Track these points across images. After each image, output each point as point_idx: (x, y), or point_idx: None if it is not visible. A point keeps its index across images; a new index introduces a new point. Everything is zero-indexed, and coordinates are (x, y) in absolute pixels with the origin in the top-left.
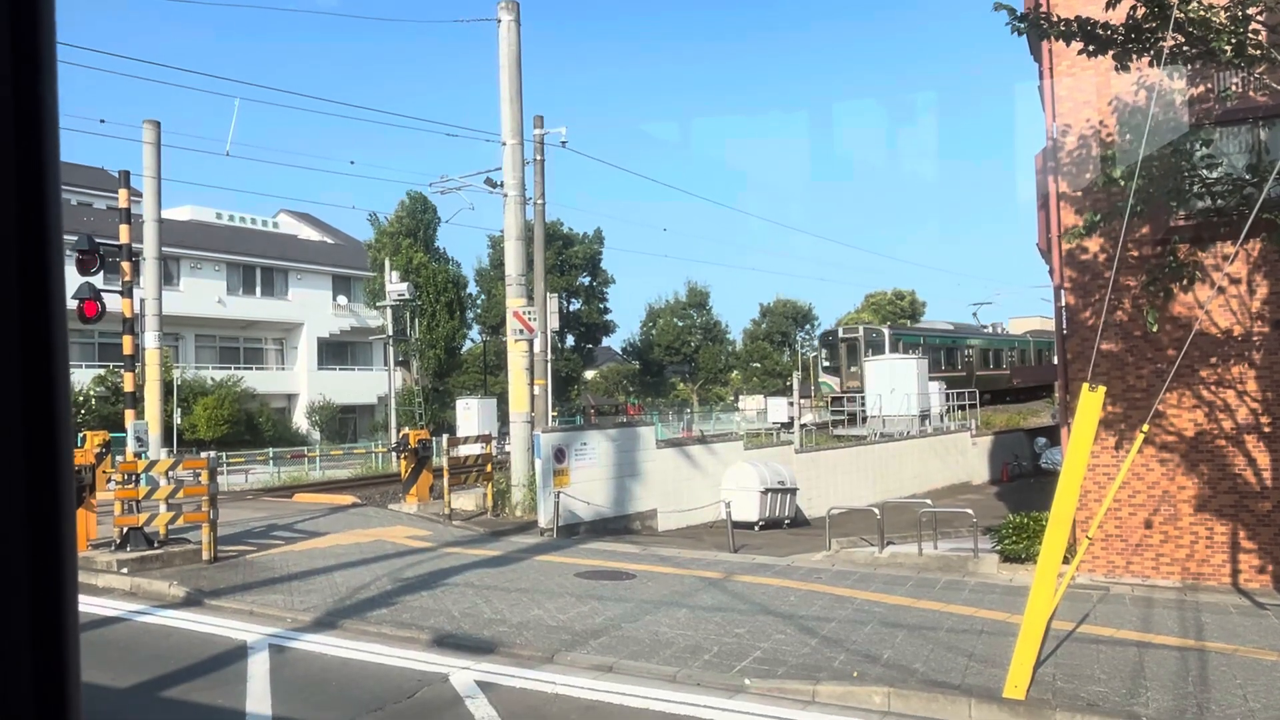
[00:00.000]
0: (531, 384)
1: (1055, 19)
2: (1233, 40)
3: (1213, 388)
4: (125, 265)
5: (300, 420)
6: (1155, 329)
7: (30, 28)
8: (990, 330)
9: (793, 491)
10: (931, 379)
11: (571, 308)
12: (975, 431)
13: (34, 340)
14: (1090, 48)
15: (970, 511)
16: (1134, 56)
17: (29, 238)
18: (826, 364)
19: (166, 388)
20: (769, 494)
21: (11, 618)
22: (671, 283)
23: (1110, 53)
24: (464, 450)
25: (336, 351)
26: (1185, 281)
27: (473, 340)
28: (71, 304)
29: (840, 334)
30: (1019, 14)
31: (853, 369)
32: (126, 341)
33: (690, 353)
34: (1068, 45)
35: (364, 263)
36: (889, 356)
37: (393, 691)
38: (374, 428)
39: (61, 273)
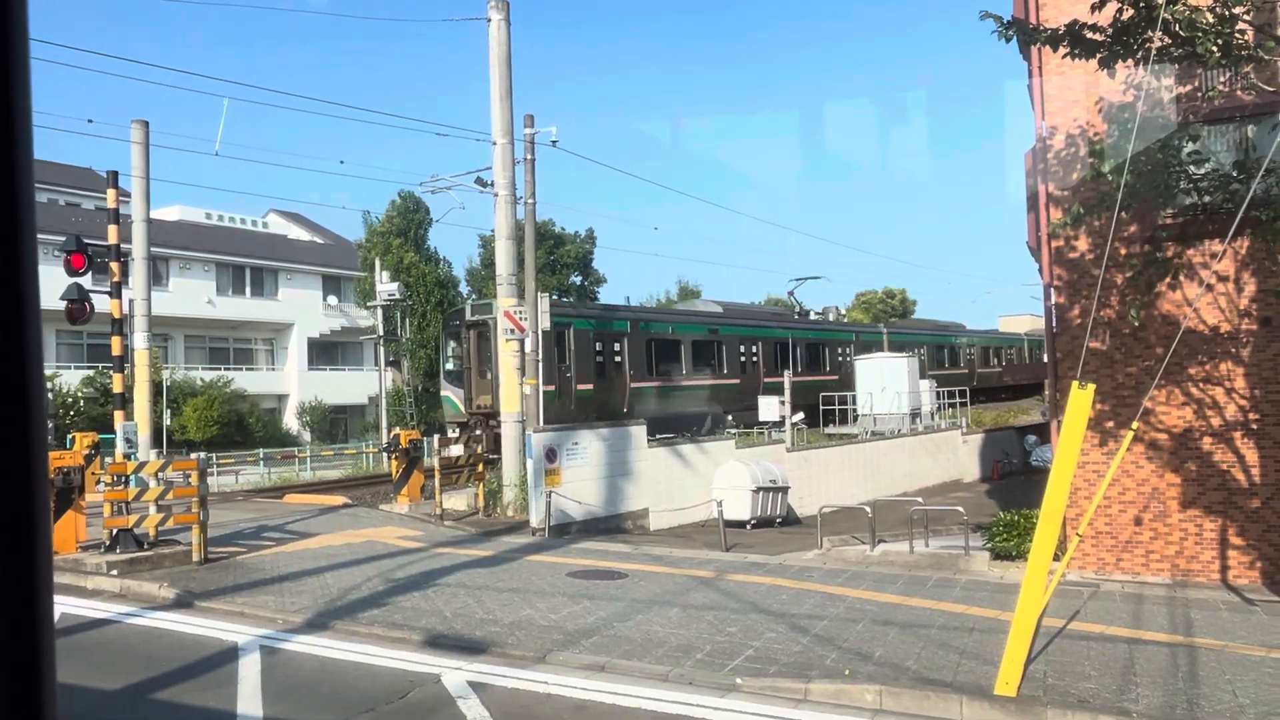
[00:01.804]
0: (522, 383)
1: (1043, 28)
2: (1219, 41)
3: (1201, 385)
4: (114, 266)
5: (291, 421)
6: (1138, 323)
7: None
8: (822, 319)
9: (784, 490)
10: (693, 382)
11: None
12: (966, 429)
13: (6, 339)
14: (1077, 51)
15: (961, 509)
16: (1120, 59)
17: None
18: (450, 366)
19: (156, 389)
20: (761, 493)
21: None
22: (663, 281)
23: (1098, 56)
24: (455, 450)
25: (327, 352)
26: (1172, 278)
27: None
28: (60, 305)
29: (468, 315)
30: (1005, 21)
31: (485, 374)
32: (115, 342)
33: None
34: (1055, 50)
35: (354, 263)
36: (878, 355)
37: (385, 692)
38: (365, 428)
39: (35, 268)
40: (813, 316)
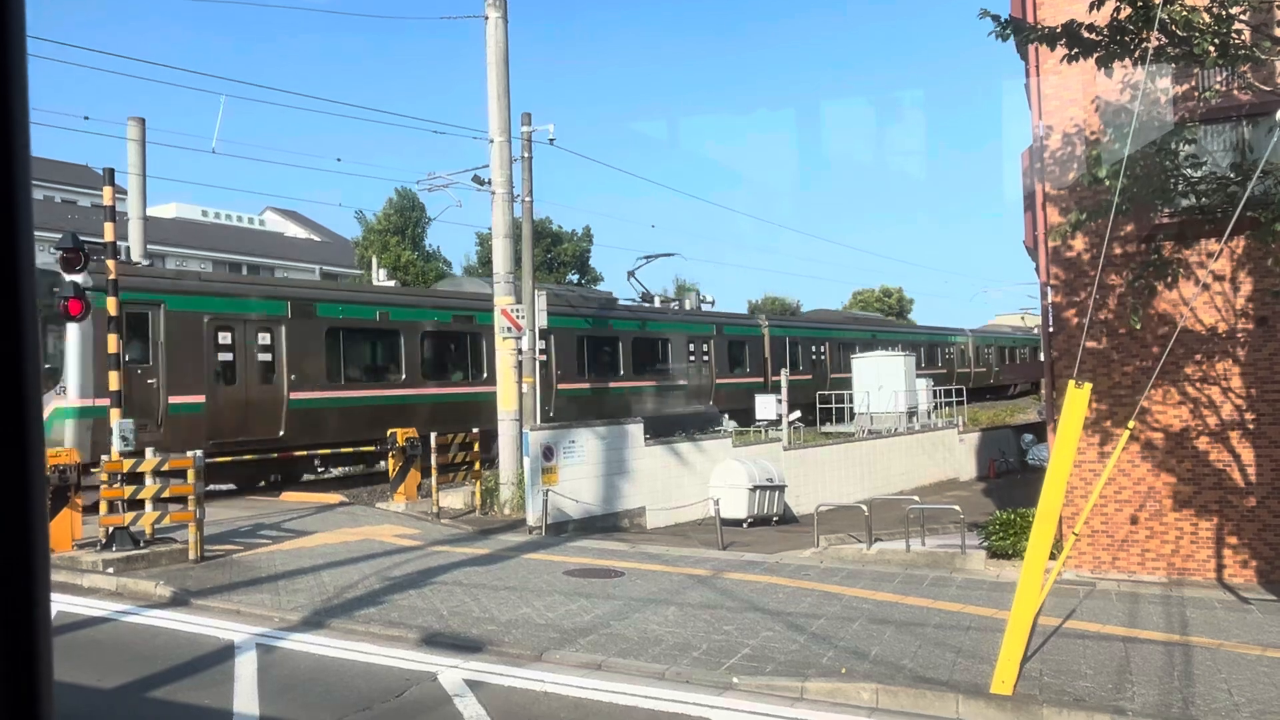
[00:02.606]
0: (520, 382)
1: (1041, 27)
2: (1215, 41)
3: (1197, 384)
4: (110, 263)
5: None
6: (1139, 327)
7: None
8: (667, 307)
9: (781, 488)
10: (424, 390)
11: None
12: (962, 428)
13: (3, 338)
14: (1074, 51)
15: (958, 508)
16: (1118, 59)
17: None
18: (50, 367)
19: None
20: (757, 491)
21: None
22: (660, 280)
23: (1095, 55)
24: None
25: None
26: (1169, 279)
27: None
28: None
29: None
30: (1003, 20)
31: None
32: (112, 340)
33: None
34: (1052, 50)
35: (351, 260)
36: (876, 354)
37: (381, 691)
38: None
39: (31, 261)
40: (659, 303)
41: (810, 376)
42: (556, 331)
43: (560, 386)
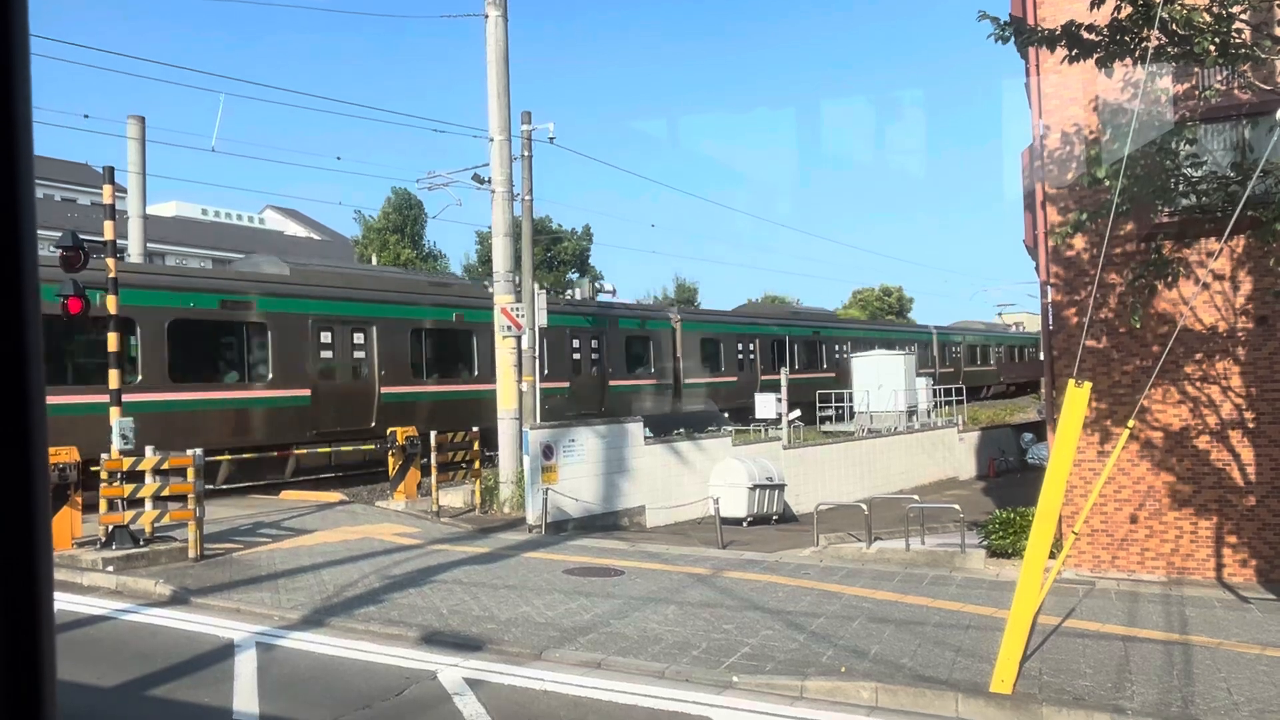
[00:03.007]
0: (520, 380)
1: (1040, 29)
2: (1216, 40)
3: (1197, 383)
4: (110, 262)
5: None
6: (1139, 326)
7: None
8: (570, 296)
9: (780, 487)
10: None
11: None
12: (962, 427)
13: (6, 337)
14: (1074, 52)
15: (957, 507)
16: (1118, 58)
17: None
18: None
19: None
20: (757, 490)
21: None
22: (660, 278)
23: (1095, 56)
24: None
25: None
26: (1170, 278)
27: None
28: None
29: None
30: (1003, 23)
31: None
32: (112, 339)
33: None
34: (1052, 51)
35: (351, 258)
36: (876, 353)
37: (380, 689)
38: None
39: (34, 260)
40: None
41: (735, 379)
42: (380, 322)
43: (384, 390)
